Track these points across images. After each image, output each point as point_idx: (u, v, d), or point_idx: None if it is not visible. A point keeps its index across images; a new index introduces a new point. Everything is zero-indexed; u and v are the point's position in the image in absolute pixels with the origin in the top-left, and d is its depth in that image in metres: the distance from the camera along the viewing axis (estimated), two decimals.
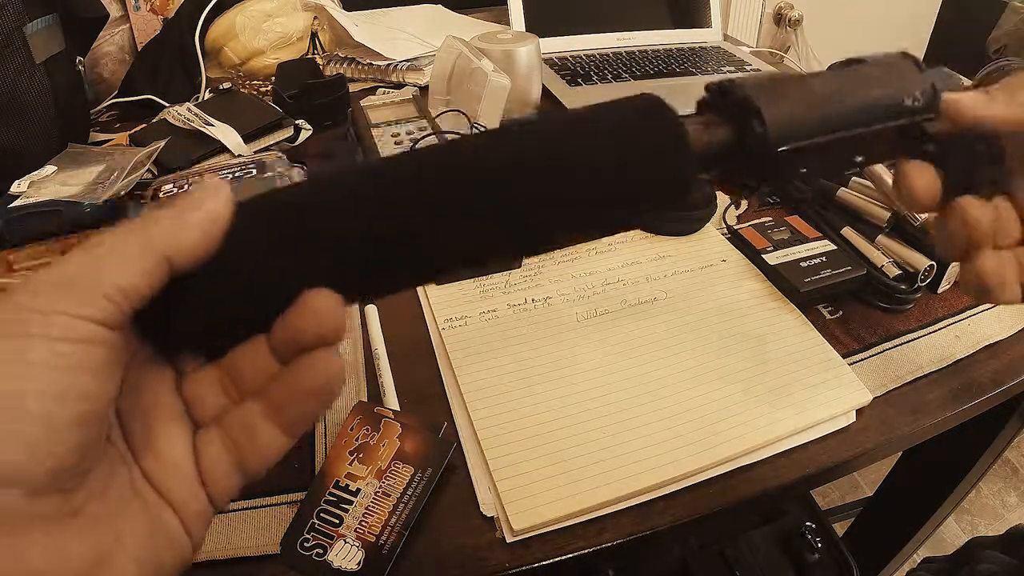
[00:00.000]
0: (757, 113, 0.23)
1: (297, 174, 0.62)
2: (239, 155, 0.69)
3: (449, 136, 0.66)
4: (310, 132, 0.75)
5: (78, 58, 0.78)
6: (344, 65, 0.93)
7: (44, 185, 0.62)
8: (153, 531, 0.19)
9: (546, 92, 0.86)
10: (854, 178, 0.61)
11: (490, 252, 0.21)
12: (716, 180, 0.26)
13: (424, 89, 0.85)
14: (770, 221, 0.60)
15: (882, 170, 0.56)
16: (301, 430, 0.21)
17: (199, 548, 0.20)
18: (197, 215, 0.19)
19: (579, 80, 0.90)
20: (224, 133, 0.70)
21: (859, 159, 0.27)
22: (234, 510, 0.38)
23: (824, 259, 0.54)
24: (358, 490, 0.38)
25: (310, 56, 0.95)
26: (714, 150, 0.24)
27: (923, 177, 0.27)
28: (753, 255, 0.57)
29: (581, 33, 1.01)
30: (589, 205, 0.21)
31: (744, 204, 0.66)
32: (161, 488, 0.20)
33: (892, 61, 0.27)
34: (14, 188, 0.61)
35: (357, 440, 0.40)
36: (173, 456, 0.20)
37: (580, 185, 0.21)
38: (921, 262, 0.53)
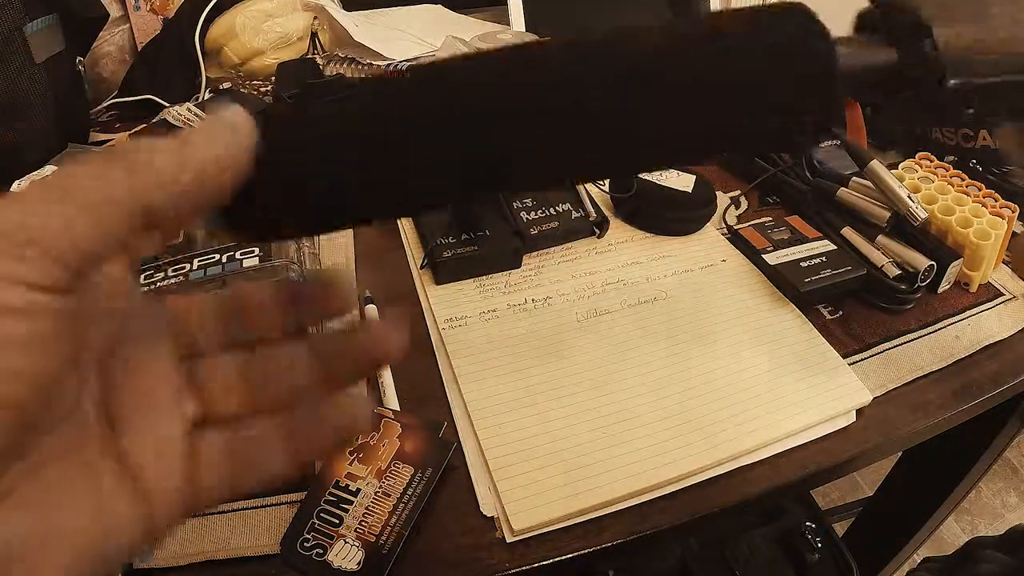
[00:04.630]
0: (929, 34, 0.20)
1: None
2: None
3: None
4: None
5: (78, 58, 0.78)
6: (344, 65, 0.93)
7: None
8: (101, 519, 0.17)
9: None
10: (854, 178, 0.61)
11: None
12: (872, 110, 0.23)
13: None
14: (770, 221, 0.60)
15: (882, 168, 0.56)
16: (305, 459, 0.20)
17: (155, 545, 0.19)
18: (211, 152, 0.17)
19: None
20: None
21: None
22: (234, 510, 0.38)
23: (824, 259, 0.54)
24: (358, 490, 0.38)
25: (310, 56, 0.95)
26: (871, 76, 0.21)
27: None
28: (753, 255, 0.57)
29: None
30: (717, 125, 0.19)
31: (744, 204, 0.66)
32: (136, 474, 0.18)
33: None
34: (14, 188, 0.61)
35: (357, 440, 0.40)
36: (161, 445, 0.18)
37: (713, 107, 0.18)
38: (921, 262, 0.53)
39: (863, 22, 0.22)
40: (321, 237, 0.62)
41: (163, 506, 0.18)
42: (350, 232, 0.62)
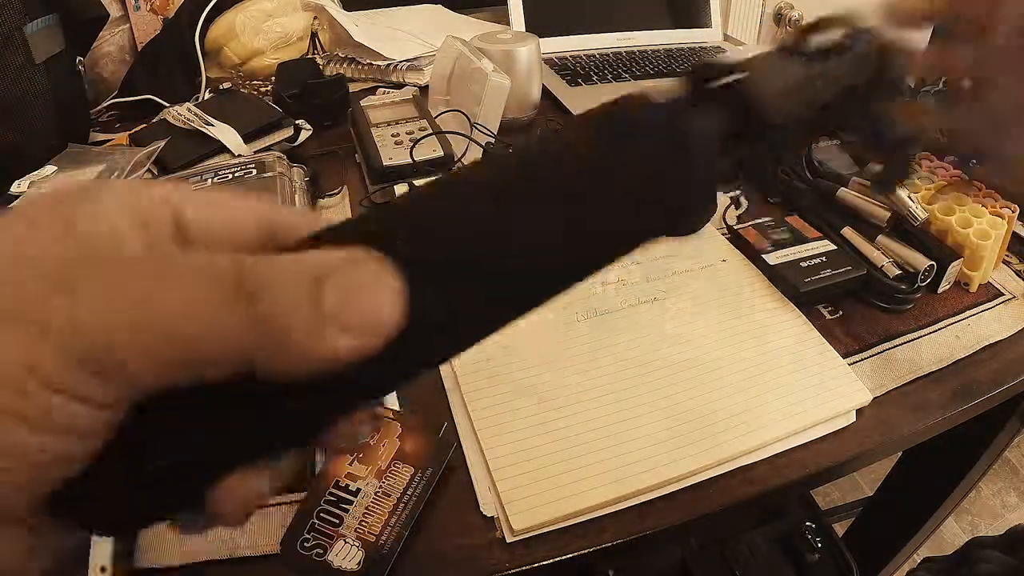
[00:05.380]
0: (751, 87, 0.22)
1: (298, 174, 0.63)
2: (239, 155, 0.69)
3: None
4: (310, 132, 0.75)
5: (78, 58, 0.78)
6: (344, 65, 0.93)
7: (44, 185, 0.62)
8: None
9: (546, 92, 0.86)
10: (854, 178, 0.61)
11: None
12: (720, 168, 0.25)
13: (424, 89, 0.85)
14: (770, 221, 0.60)
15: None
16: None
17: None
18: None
19: (579, 80, 0.90)
20: (224, 133, 0.70)
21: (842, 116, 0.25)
22: None
23: (824, 259, 0.54)
24: (358, 490, 0.38)
25: (310, 56, 0.96)
26: (721, 140, 0.22)
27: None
28: (753, 255, 0.57)
29: (581, 33, 1.01)
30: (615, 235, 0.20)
31: (744, 204, 0.66)
32: None
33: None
34: (14, 188, 0.61)
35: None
36: None
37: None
38: (921, 262, 0.53)
39: (689, 96, 0.24)
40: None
41: None
42: None
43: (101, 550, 0.34)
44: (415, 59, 0.91)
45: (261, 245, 0.17)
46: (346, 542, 0.36)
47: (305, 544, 0.36)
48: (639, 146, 0.19)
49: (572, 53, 0.99)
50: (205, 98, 0.85)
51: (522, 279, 0.19)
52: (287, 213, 0.18)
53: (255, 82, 0.92)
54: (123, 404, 0.14)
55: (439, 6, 1.10)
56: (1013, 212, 0.56)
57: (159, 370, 0.14)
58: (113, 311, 0.13)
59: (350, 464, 0.39)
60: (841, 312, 0.53)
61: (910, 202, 0.54)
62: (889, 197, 0.54)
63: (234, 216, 0.17)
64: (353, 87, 0.89)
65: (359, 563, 0.35)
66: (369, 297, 0.15)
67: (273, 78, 0.84)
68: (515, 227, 0.18)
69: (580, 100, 0.85)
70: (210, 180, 0.58)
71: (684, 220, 0.21)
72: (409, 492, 0.38)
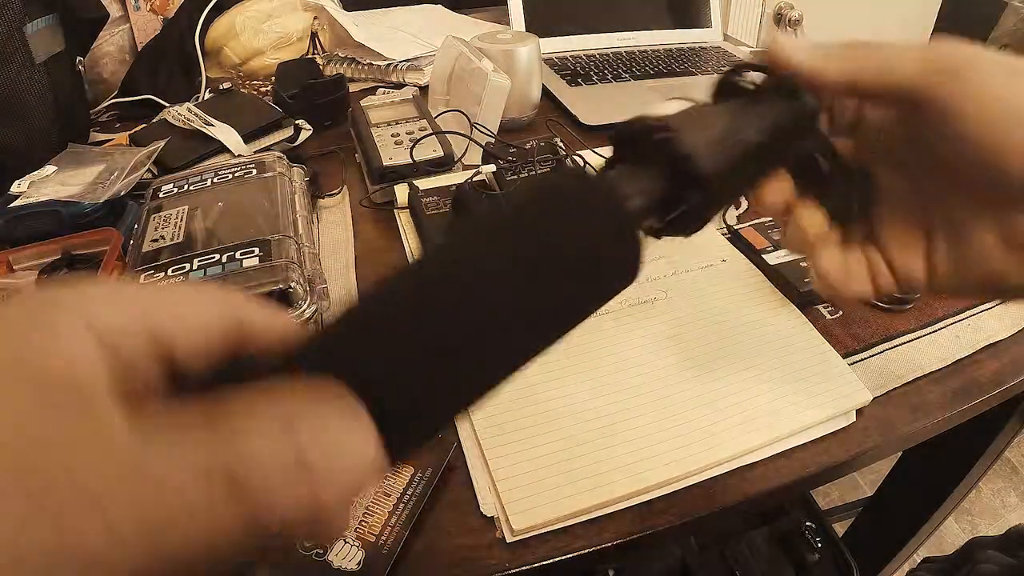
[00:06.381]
0: (679, 145, 0.22)
1: (298, 174, 0.62)
2: (239, 155, 0.69)
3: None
4: (310, 132, 0.75)
5: (78, 58, 0.78)
6: (344, 65, 0.93)
7: (44, 185, 0.62)
8: None
9: (546, 92, 0.86)
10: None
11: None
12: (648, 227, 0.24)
13: (424, 89, 0.85)
14: (770, 221, 0.60)
15: None
16: None
17: None
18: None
19: (579, 80, 0.90)
20: (224, 133, 0.70)
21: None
22: None
23: None
24: None
25: (310, 56, 0.95)
26: (649, 202, 0.22)
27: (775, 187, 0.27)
28: (753, 255, 0.57)
29: (581, 33, 1.01)
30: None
31: (744, 204, 0.66)
32: None
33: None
34: (14, 188, 0.61)
35: None
36: None
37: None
38: None
39: (617, 157, 0.24)
40: (320, 238, 0.62)
41: None
42: (350, 232, 0.62)
43: None
44: (415, 59, 0.91)
45: (228, 339, 0.17)
46: (346, 542, 0.36)
47: (305, 544, 0.36)
48: (574, 229, 0.20)
49: (572, 53, 0.99)
50: (205, 98, 0.85)
51: (485, 370, 0.20)
52: (252, 309, 0.18)
53: (255, 82, 0.92)
54: None
55: (439, 6, 1.10)
56: None
57: None
58: (97, 532, 0.12)
59: None
60: (841, 312, 0.53)
61: None
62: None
63: (203, 316, 0.17)
64: (353, 87, 0.89)
65: (359, 563, 0.35)
66: (351, 455, 0.15)
67: (273, 78, 0.84)
68: (468, 325, 0.18)
69: (580, 100, 0.85)
70: (210, 180, 0.58)
71: (624, 280, 0.21)
72: (409, 492, 0.38)
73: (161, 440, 0.13)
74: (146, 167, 0.63)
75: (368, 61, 0.91)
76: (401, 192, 0.63)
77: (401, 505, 0.38)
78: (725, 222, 0.62)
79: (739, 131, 0.24)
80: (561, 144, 0.68)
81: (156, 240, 0.51)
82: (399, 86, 0.90)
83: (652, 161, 0.22)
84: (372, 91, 0.87)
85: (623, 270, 0.21)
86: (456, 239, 0.20)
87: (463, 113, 0.71)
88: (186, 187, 0.58)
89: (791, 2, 1.49)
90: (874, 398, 0.46)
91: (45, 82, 0.69)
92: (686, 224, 0.24)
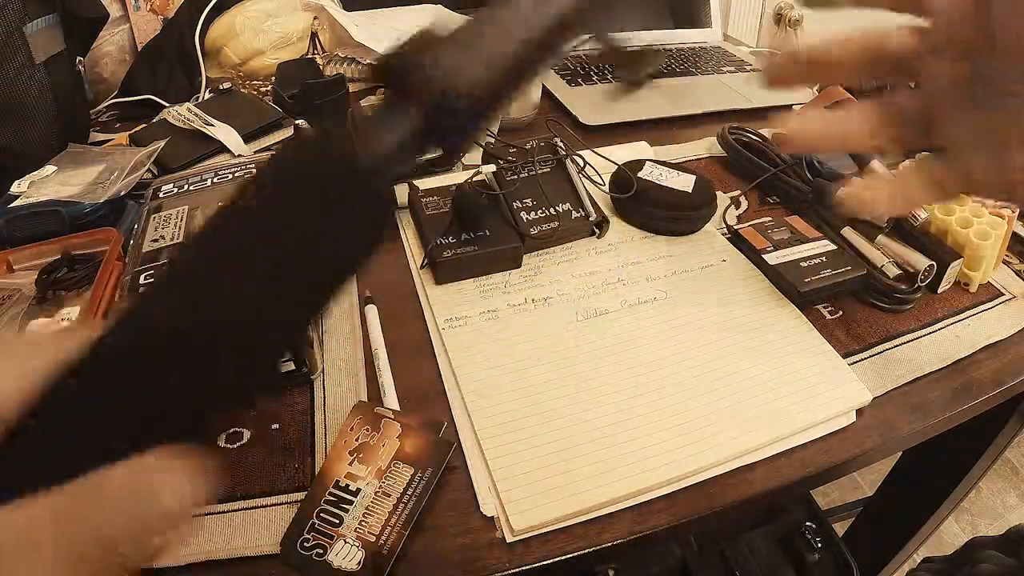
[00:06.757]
0: (429, 75, 0.21)
1: None
2: (239, 155, 0.69)
3: None
4: None
5: (78, 58, 0.78)
6: (344, 65, 0.93)
7: (44, 185, 0.62)
8: None
9: (546, 92, 0.86)
10: (854, 178, 0.61)
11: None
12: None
13: None
14: (770, 221, 0.60)
15: (882, 168, 0.56)
16: None
17: None
18: None
19: (579, 80, 0.90)
20: (224, 133, 0.70)
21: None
22: (234, 510, 0.38)
23: (824, 259, 0.54)
24: (358, 490, 0.38)
25: (310, 56, 0.95)
26: (404, 141, 0.21)
27: None
28: (753, 255, 0.57)
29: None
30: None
31: (744, 204, 0.66)
32: None
33: None
34: (14, 188, 0.61)
35: (357, 440, 0.40)
36: None
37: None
38: (921, 262, 0.53)
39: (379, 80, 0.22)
40: None
41: None
42: None
43: None
44: None
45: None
46: (346, 542, 0.36)
47: (305, 544, 0.36)
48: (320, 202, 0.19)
49: (572, 53, 0.99)
50: (205, 98, 0.85)
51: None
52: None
53: (255, 82, 0.92)
54: None
55: (439, 6, 1.10)
56: (1013, 212, 0.56)
57: None
58: None
59: (350, 464, 0.39)
60: (841, 312, 0.53)
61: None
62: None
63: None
64: (353, 87, 0.89)
65: (359, 563, 0.35)
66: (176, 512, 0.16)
67: (273, 78, 0.84)
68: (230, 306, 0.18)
69: (580, 100, 0.85)
70: (210, 180, 0.58)
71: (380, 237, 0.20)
72: (409, 492, 0.38)
73: None
74: (146, 167, 0.63)
75: (368, 61, 0.91)
76: (401, 192, 0.63)
77: (401, 505, 0.38)
78: (725, 222, 0.62)
79: (491, 41, 0.22)
80: (561, 144, 0.68)
81: (156, 240, 0.51)
82: None
83: (408, 94, 0.21)
84: (372, 91, 0.87)
85: (374, 235, 0.20)
86: (196, 255, 0.19)
87: None
88: (186, 187, 0.58)
89: (791, 2, 1.49)
90: (874, 398, 0.46)
91: (45, 82, 0.69)
92: (452, 151, 0.23)
